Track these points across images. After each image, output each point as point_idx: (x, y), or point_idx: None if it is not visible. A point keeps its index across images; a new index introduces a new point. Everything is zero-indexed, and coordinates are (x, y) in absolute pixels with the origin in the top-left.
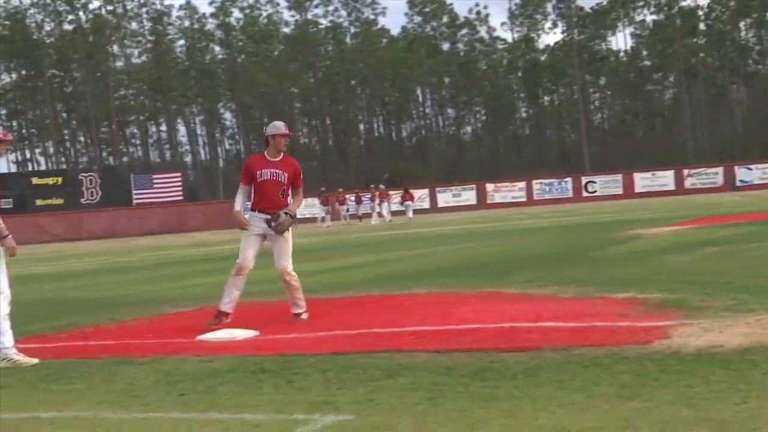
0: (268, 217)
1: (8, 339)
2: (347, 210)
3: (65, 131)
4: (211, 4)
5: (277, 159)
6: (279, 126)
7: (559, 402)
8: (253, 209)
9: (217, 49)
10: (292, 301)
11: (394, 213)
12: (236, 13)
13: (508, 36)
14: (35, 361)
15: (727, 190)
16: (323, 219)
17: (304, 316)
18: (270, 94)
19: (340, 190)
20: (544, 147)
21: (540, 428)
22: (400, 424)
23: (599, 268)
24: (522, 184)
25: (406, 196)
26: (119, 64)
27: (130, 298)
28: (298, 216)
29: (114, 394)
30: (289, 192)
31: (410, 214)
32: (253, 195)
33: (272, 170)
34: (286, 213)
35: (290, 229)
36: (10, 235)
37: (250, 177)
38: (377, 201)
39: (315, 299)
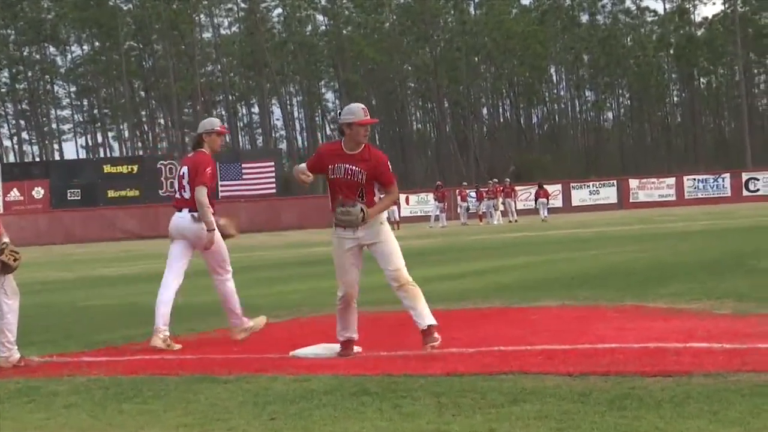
0: (341, 200)
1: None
2: (467, 208)
3: (143, 112)
4: None
5: (356, 152)
6: (357, 111)
7: None
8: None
9: (320, 19)
10: (415, 312)
11: (519, 212)
12: None
13: (659, 7)
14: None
15: None
16: (437, 218)
17: (438, 339)
18: (379, 72)
19: (465, 183)
20: (699, 137)
21: None
22: None
23: (761, 281)
24: (671, 181)
25: (540, 193)
26: (206, 35)
27: (214, 306)
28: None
29: (194, 417)
30: (374, 192)
31: (544, 213)
32: (329, 198)
33: (347, 166)
34: (362, 209)
35: (380, 225)
36: (216, 230)
37: (318, 167)
38: (501, 198)
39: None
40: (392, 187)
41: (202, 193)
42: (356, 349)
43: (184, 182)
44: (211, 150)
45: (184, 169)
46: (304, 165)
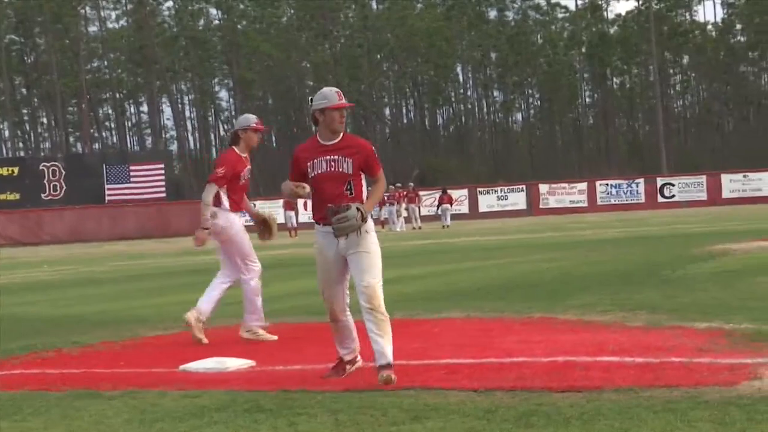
0: (332, 208)
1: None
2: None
3: (24, 110)
4: None
5: (335, 141)
6: (329, 95)
7: None
8: (316, 221)
9: (213, 12)
10: (378, 345)
11: (424, 218)
12: None
13: (571, 3)
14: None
15: None
16: None
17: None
18: (276, 70)
19: (371, 189)
20: (612, 140)
21: None
22: None
23: (675, 292)
24: (583, 186)
25: (444, 199)
26: (92, 29)
27: (99, 317)
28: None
29: None
30: (363, 185)
31: (447, 220)
32: (311, 202)
33: (329, 158)
34: (358, 209)
35: (365, 233)
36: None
37: (299, 173)
38: (404, 203)
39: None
40: (380, 175)
41: (206, 190)
42: (248, 362)
43: None
44: (247, 146)
45: None
46: (288, 182)
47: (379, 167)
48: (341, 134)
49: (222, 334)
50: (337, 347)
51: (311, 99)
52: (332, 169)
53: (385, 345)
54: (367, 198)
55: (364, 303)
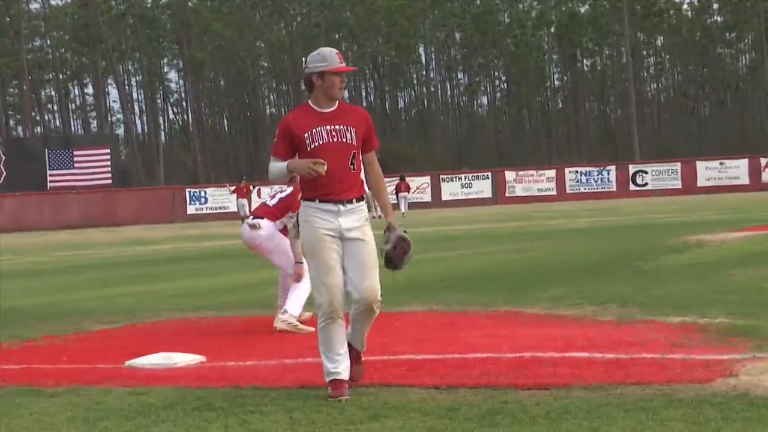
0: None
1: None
2: None
3: None
4: None
5: (332, 109)
6: (329, 57)
7: None
8: (308, 199)
9: None
10: (363, 335)
11: None
12: None
13: None
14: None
15: None
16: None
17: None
18: (229, 50)
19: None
20: (582, 125)
21: None
22: None
23: (648, 284)
24: (551, 173)
25: (401, 186)
26: (34, 6)
27: (41, 310)
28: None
29: None
30: (361, 162)
31: (405, 208)
32: (301, 178)
33: (330, 128)
34: (405, 231)
35: (365, 220)
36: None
37: (291, 147)
38: None
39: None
40: (375, 153)
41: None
42: (198, 358)
43: None
44: None
45: None
46: (282, 163)
47: (377, 141)
48: (337, 101)
49: (170, 328)
50: (326, 365)
51: (305, 60)
52: (334, 139)
53: (366, 334)
54: (383, 206)
55: (366, 303)
